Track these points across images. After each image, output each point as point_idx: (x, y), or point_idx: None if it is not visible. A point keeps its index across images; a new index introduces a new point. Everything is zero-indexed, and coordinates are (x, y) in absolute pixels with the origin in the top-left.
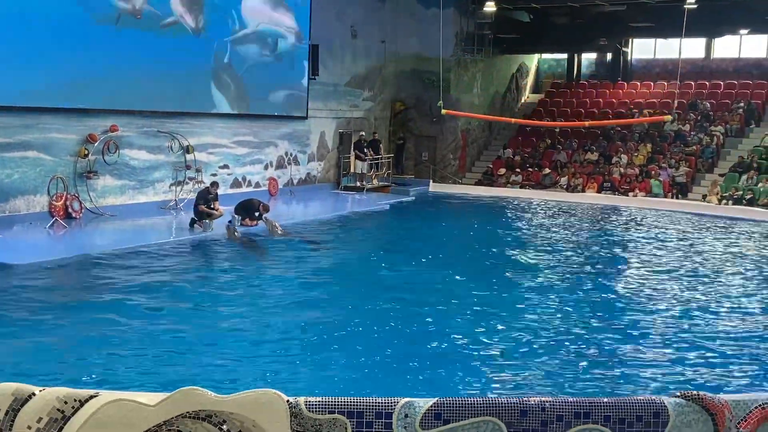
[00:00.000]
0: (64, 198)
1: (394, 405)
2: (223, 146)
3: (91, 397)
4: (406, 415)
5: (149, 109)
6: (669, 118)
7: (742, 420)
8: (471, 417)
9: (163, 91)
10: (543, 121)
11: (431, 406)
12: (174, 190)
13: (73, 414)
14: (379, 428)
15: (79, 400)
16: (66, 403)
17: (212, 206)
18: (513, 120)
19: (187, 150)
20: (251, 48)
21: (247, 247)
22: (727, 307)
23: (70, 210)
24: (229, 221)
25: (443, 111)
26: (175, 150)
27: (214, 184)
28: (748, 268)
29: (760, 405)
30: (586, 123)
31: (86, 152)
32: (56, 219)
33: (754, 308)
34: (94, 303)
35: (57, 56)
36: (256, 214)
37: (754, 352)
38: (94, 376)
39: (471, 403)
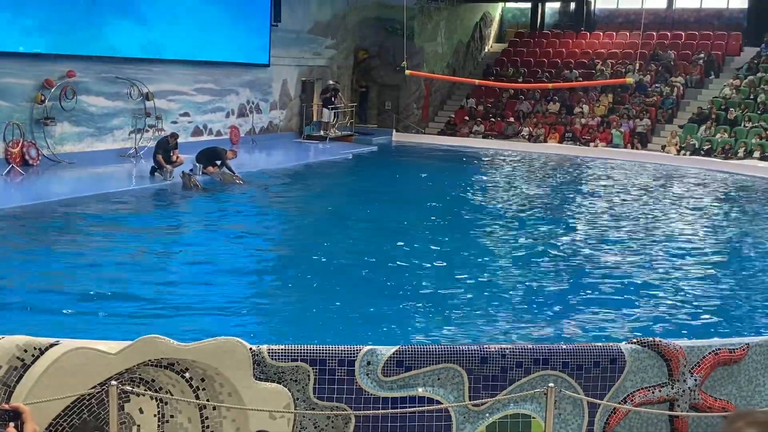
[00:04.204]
0: (20, 145)
1: (357, 353)
2: (183, 93)
3: (52, 345)
4: (369, 363)
5: (107, 55)
6: (631, 81)
7: (695, 365)
8: (432, 364)
9: (121, 36)
10: (505, 80)
11: (393, 354)
12: (134, 138)
13: (33, 362)
14: (341, 375)
15: (40, 348)
16: (26, 351)
17: (171, 155)
18: (477, 81)
19: (147, 97)
20: None
21: (206, 195)
22: (681, 256)
23: (27, 157)
24: (190, 169)
25: (407, 72)
26: (135, 97)
27: (174, 135)
28: (700, 217)
29: (713, 351)
30: (549, 85)
31: (43, 98)
32: (12, 166)
33: (707, 257)
34: (51, 251)
35: None
36: (218, 162)
37: (707, 299)
38: (52, 323)
39: (432, 351)
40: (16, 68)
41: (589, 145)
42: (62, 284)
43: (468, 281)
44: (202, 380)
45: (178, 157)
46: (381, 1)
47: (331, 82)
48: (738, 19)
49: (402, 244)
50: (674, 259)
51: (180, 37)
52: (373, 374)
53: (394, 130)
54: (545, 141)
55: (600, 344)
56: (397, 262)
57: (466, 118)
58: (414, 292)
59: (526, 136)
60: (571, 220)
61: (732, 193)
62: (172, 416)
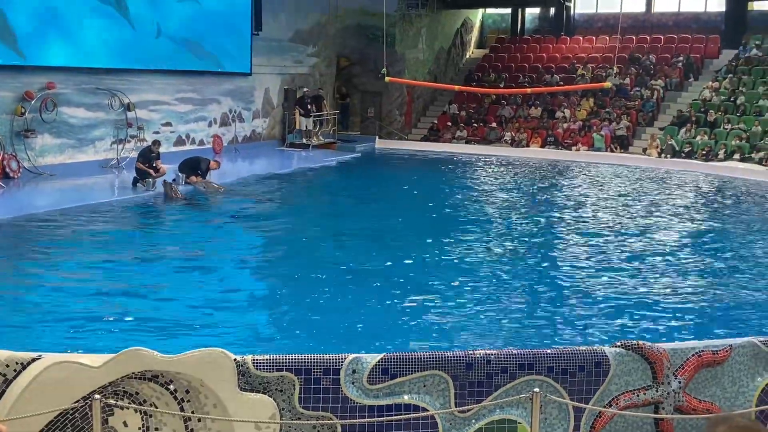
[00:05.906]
0: (1, 157)
1: (342, 361)
2: (165, 103)
3: (34, 359)
4: (354, 371)
5: (86, 66)
6: (608, 85)
7: (679, 368)
8: (418, 371)
9: (100, 46)
10: (486, 86)
11: (378, 362)
12: (115, 149)
13: (15, 377)
14: (327, 384)
15: (22, 363)
16: (8, 366)
17: (154, 165)
18: (456, 87)
19: (128, 107)
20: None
21: (189, 206)
22: (662, 260)
23: (7, 170)
24: (173, 179)
25: (387, 78)
26: (116, 107)
27: (156, 143)
28: (681, 221)
29: (696, 353)
30: (528, 90)
31: (23, 110)
32: None
33: (690, 260)
34: (33, 263)
35: None
36: (200, 172)
37: (690, 301)
38: (35, 337)
39: (417, 358)
40: None
41: (571, 149)
42: (44, 298)
43: (451, 287)
44: (187, 392)
45: (160, 168)
46: (362, 9)
47: (306, 89)
48: (716, 22)
49: (386, 250)
50: (658, 261)
51: (160, 46)
52: (359, 382)
53: (377, 137)
54: (527, 145)
55: (584, 348)
56: (381, 269)
57: (449, 123)
58: (398, 298)
59: (509, 141)
60: (555, 224)
61: (714, 195)
62: (156, 429)
